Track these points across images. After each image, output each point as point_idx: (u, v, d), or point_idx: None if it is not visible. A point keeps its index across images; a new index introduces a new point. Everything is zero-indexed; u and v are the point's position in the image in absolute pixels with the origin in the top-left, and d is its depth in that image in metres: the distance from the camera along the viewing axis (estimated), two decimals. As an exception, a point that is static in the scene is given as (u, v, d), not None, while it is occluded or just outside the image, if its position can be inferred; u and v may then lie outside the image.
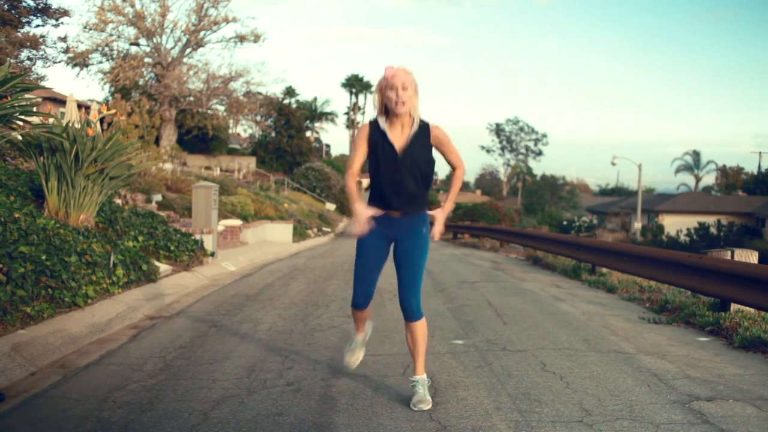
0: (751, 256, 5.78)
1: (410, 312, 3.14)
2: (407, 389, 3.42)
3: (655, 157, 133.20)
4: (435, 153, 3.14)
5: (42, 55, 14.47)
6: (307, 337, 4.74)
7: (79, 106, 14.81)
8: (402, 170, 3.05)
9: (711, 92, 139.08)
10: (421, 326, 3.18)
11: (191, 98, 32.75)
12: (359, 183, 3.24)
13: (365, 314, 3.37)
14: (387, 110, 3.06)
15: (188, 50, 32.89)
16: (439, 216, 3.19)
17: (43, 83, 14.17)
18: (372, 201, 3.19)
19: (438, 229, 3.20)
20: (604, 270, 8.73)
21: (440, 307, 6.11)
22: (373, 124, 3.11)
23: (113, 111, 9.00)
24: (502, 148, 79.78)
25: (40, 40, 13.98)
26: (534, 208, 55.51)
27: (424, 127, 3.10)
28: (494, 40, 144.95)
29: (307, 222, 22.87)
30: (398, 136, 3.08)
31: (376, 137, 3.09)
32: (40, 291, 4.57)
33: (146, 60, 32.02)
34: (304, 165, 39.64)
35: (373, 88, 3.15)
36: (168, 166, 20.74)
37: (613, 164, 35.66)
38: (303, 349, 4.35)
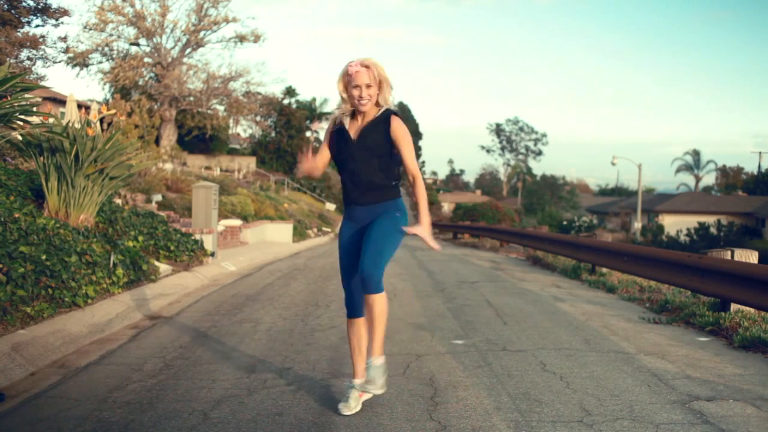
0: (751, 256, 5.78)
1: (368, 282, 2.86)
2: (407, 389, 3.42)
3: (655, 157, 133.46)
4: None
5: (42, 55, 14.46)
6: (307, 337, 4.74)
7: (79, 106, 14.81)
8: (357, 159, 2.97)
9: (711, 92, 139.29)
10: (380, 301, 2.90)
11: (191, 98, 32.73)
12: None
13: (359, 330, 3.09)
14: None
15: (188, 50, 32.88)
16: (421, 231, 2.93)
17: (43, 83, 14.16)
18: (343, 199, 3.14)
19: (427, 239, 2.95)
20: (604, 270, 8.72)
21: (440, 307, 6.11)
22: (337, 117, 3.08)
23: (113, 111, 9.00)
24: (502, 148, 79.86)
25: (40, 40, 13.97)
26: (534, 208, 55.53)
27: (385, 115, 2.98)
28: (494, 40, 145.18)
29: (307, 222, 22.87)
30: (357, 125, 3.02)
31: (338, 128, 3.06)
32: (40, 291, 4.57)
33: (146, 60, 32.01)
34: (304, 165, 39.58)
35: (336, 78, 3.03)
36: (168, 166, 20.74)
37: (613, 164, 35.71)
38: (303, 349, 4.35)
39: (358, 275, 2.99)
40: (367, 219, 3.04)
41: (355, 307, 3.11)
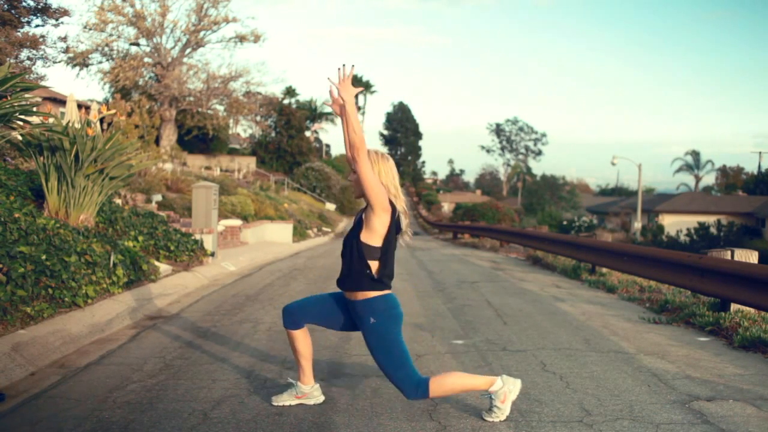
0: (751, 256, 5.78)
1: (406, 395, 2.89)
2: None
3: (655, 157, 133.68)
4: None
5: (42, 55, 14.44)
6: (307, 337, 4.73)
7: (79, 106, 14.82)
8: (345, 241, 2.95)
9: (711, 92, 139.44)
10: (436, 392, 2.87)
11: (191, 98, 32.73)
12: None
13: (296, 342, 3.11)
14: None
15: (188, 50, 32.88)
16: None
17: (43, 83, 14.16)
18: None
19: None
20: (604, 270, 8.72)
21: (440, 307, 6.11)
22: None
23: (113, 111, 8.99)
24: (502, 148, 79.91)
25: (40, 40, 13.96)
26: (534, 208, 55.56)
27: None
28: (495, 41, 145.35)
29: (307, 222, 22.86)
30: None
31: None
32: (40, 291, 4.57)
33: (146, 60, 32.01)
34: (304, 165, 39.68)
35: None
36: (168, 166, 20.72)
37: (613, 164, 35.65)
38: (303, 349, 4.35)
39: (318, 315, 3.11)
40: (352, 312, 2.98)
41: (285, 319, 3.11)
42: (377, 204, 2.78)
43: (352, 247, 2.88)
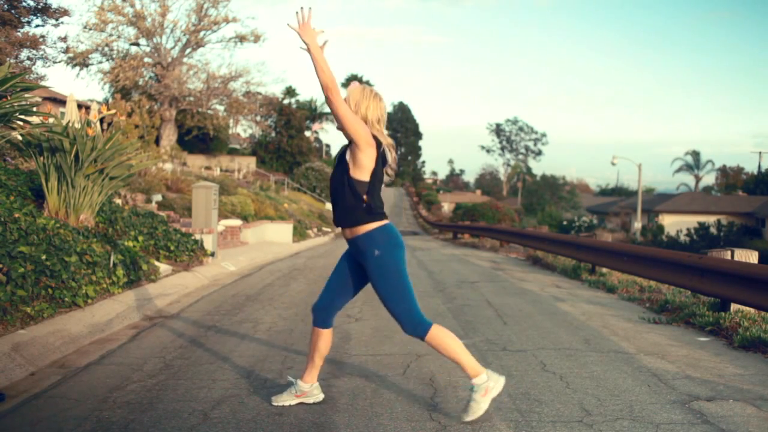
0: (751, 256, 5.78)
1: (415, 334, 2.93)
2: (407, 389, 3.42)
3: (655, 157, 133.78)
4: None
5: (42, 55, 14.45)
6: (307, 337, 4.73)
7: (79, 106, 14.81)
8: (332, 180, 2.99)
9: (711, 92, 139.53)
10: (436, 337, 2.91)
11: (191, 98, 32.75)
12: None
13: (320, 341, 3.10)
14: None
15: (188, 50, 32.90)
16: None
17: (43, 83, 14.16)
18: None
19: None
20: (604, 270, 8.72)
21: (440, 307, 6.11)
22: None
23: (113, 111, 8.99)
24: (502, 148, 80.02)
25: (40, 40, 13.97)
26: (534, 208, 55.61)
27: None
28: (495, 41, 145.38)
29: (307, 222, 22.87)
30: None
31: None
32: (40, 291, 4.57)
33: (146, 60, 32.03)
34: (304, 165, 39.68)
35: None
36: (168, 166, 20.72)
37: (613, 164, 35.67)
38: (303, 349, 4.35)
39: (339, 290, 3.11)
40: (355, 250, 3.01)
41: (322, 313, 3.12)
42: (360, 139, 2.83)
43: (343, 185, 2.92)
